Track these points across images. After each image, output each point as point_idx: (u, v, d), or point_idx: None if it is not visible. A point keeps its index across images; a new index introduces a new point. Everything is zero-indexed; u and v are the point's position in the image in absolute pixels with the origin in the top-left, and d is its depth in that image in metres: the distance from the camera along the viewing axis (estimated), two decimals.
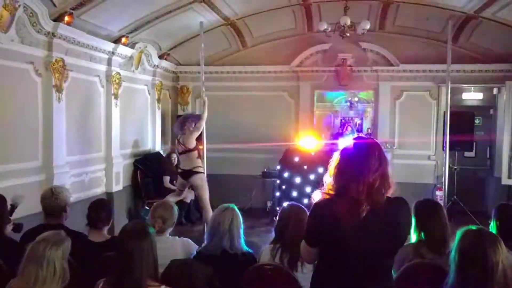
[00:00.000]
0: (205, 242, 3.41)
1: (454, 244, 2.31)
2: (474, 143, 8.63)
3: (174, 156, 8.32)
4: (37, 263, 2.29)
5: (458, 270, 2.24)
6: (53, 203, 3.59)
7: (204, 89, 5.92)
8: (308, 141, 8.54)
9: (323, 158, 7.56)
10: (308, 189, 7.89)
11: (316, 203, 2.25)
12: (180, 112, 9.73)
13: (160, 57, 8.78)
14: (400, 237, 2.21)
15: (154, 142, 8.99)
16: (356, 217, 2.08)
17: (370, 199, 2.09)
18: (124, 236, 2.41)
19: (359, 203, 2.09)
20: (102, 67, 7.07)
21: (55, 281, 2.31)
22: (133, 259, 2.28)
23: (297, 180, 8.18)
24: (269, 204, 8.99)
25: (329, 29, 7.73)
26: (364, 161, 2.12)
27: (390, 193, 2.18)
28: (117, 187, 7.45)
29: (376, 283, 2.17)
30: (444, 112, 6.02)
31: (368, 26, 7.66)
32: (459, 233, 2.30)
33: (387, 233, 2.13)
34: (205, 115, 6.51)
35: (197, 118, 6.59)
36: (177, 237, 3.58)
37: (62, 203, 3.62)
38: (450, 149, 5.80)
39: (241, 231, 3.30)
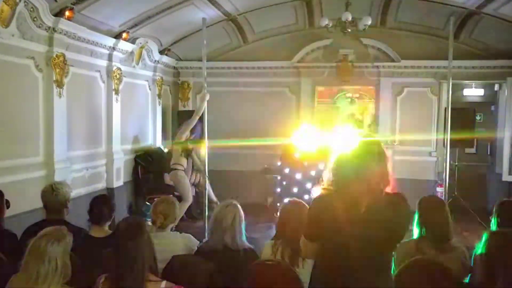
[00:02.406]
0: (207, 237, 3.42)
1: (480, 245, 2.30)
2: (475, 140, 8.62)
3: None
4: (38, 259, 2.29)
5: (486, 270, 2.21)
6: (53, 199, 3.60)
7: (206, 85, 5.89)
8: (309, 137, 8.52)
9: (324, 154, 7.57)
10: (308, 185, 7.89)
11: (315, 199, 2.27)
12: (181, 108, 9.73)
13: (161, 52, 8.76)
14: (398, 233, 2.23)
15: (155, 138, 8.99)
16: (355, 212, 2.10)
17: (369, 195, 2.10)
18: (120, 235, 2.41)
19: (358, 199, 2.09)
20: (103, 63, 7.06)
21: (56, 277, 2.30)
22: (132, 256, 2.29)
23: (298, 176, 8.18)
24: (269, 200, 8.99)
25: (330, 24, 7.72)
26: (363, 157, 2.13)
27: (389, 189, 2.19)
28: (117, 182, 7.45)
29: (374, 278, 2.19)
30: (445, 108, 6.00)
31: (369, 22, 7.65)
32: (486, 235, 2.29)
33: (386, 228, 2.14)
34: (199, 111, 6.78)
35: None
36: (178, 233, 3.58)
37: (63, 199, 3.63)
38: (451, 146, 5.79)
39: (243, 227, 3.31)
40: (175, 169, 7.19)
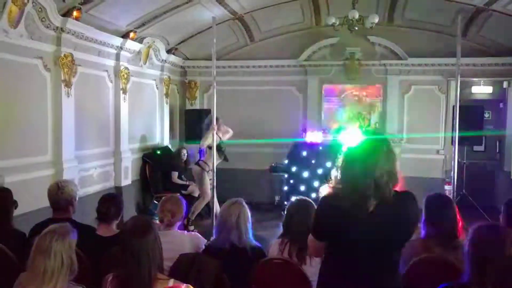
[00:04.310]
0: (214, 236, 3.42)
1: (466, 241, 2.27)
2: (484, 137, 8.57)
3: (184, 151, 8.38)
4: (44, 255, 2.29)
5: (474, 266, 2.18)
6: (59, 198, 3.59)
7: (215, 84, 5.86)
8: (316, 136, 8.53)
9: (331, 153, 7.57)
10: (316, 184, 7.90)
11: (323, 198, 2.26)
12: (188, 107, 9.75)
13: (168, 51, 8.79)
14: (406, 231, 2.22)
15: (162, 137, 9.03)
16: (364, 211, 2.09)
17: (377, 194, 2.09)
18: (127, 234, 2.42)
19: (367, 198, 2.09)
20: (111, 62, 7.10)
21: (63, 273, 2.31)
22: (140, 255, 2.29)
23: (305, 174, 8.19)
24: (277, 198, 9.00)
25: (337, 23, 7.70)
26: (371, 155, 2.12)
27: (398, 187, 2.18)
28: (125, 181, 7.50)
29: (383, 277, 2.18)
30: (453, 106, 5.97)
31: (376, 20, 7.62)
32: (471, 229, 2.26)
33: (394, 227, 2.13)
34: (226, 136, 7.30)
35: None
36: (185, 231, 3.59)
37: (68, 197, 3.62)
38: (459, 143, 5.75)
39: (249, 225, 3.31)
40: (201, 166, 7.26)
